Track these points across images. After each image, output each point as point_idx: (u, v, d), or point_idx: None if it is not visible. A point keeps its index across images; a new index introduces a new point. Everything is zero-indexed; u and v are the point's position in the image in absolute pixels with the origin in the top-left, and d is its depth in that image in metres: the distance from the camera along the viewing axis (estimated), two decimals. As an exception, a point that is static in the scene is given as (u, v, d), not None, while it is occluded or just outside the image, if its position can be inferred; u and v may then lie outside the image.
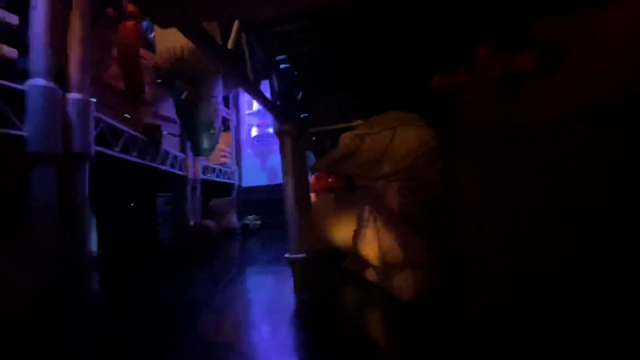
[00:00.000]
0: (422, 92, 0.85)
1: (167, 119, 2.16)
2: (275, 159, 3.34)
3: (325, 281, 1.05)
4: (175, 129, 2.27)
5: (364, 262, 0.98)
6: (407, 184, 0.88)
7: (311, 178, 1.53)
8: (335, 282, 1.04)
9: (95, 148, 1.19)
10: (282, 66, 0.97)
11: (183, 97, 0.93)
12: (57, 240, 0.99)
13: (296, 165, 1.00)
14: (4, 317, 0.79)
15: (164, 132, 2.04)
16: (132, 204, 1.98)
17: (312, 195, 1.41)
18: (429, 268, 0.86)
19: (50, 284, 0.97)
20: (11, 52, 0.93)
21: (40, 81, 0.98)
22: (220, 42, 0.57)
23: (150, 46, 1.83)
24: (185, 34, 0.44)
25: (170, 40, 0.67)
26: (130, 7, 1.26)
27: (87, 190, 1.12)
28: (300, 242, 0.99)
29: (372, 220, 0.94)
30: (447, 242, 0.89)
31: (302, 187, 1.03)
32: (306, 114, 1.05)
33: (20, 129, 0.94)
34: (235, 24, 0.64)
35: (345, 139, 0.83)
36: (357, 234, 1.05)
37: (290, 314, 0.83)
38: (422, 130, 0.85)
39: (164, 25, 0.44)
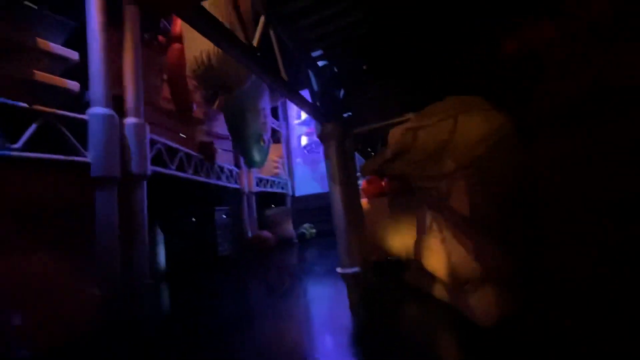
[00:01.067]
0: (483, 70, 0.70)
1: (220, 136, 2.25)
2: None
3: (385, 298, 0.93)
4: (228, 144, 2.36)
5: (429, 277, 0.84)
6: (478, 180, 0.72)
7: (361, 183, 1.42)
8: (396, 299, 0.91)
9: (152, 168, 1.25)
10: (319, 63, 0.89)
11: (215, 106, 0.91)
12: (119, 256, 1.04)
13: (343, 169, 0.91)
14: (71, 331, 0.83)
15: (218, 149, 2.13)
16: (193, 219, 2.08)
17: (364, 201, 1.31)
18: (511, 283, 0.70)
19: (115, 298, 1.02)
20: (74, 85, 1.02)
21: (99, 109, 1.05)
22: (244, 40, 0.51)
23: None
24: (191, 23, 0.39)
25: (197, 48, 0.65)
26: (176, 31, 1.31)
27: (145, 208, 1.17)
28: (352, 255, 0.89)
29: (437, 227, 0.80)
30: (532, 249, 0.72)
31: (351, 193, 0.93)
32: (350, 113, 0.96)
33: (84, 156, 1.01)
34: (261, 19, 0.58)
35: (395, 134, 0.71)
36: (418, 243, 0.91)
37: (346, 335, 0.73)
38: (490, 115, 0.69)
39: (162, 12, 0.39)
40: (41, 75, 0.95)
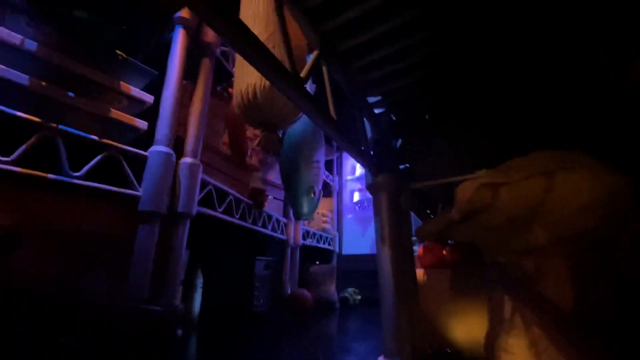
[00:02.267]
0: (590, 116, 0.55)
1: (273, 184, 2.26)
2: (378, 226, 3.08)
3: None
4: (280, 194, 2.36)
5: (511, 390, 0.61)
6: (584, 261, 0.53)
7: (418, 248, 1.23)
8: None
9: (199, 208, 1.24)
10: (376, 110, 0.82)
11: (259, 143, 0.86)
12: (147, 292, 0.98)
13: (395, 229, 0.77)
14: None
15: (269, 196, 2.13)
16: (233, 266, 2.01)
17: (419, 272, 1.10)
18: None
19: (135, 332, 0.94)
20: (142, 124, 1.09)
21: (161, 148, 1.10)
22: (289, 69, 0.46)
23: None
24: (225, 36, 0.34)
25: (244, 82, 0.64)
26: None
27: (183, 248, 1.14)
28: (400, 341, 0.70)
29: (521, 322, 0.59)
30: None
31: (403, 259, 0.77)
32: (407, 165, 0.84)
33: (137, 189, 1.04)
34: (314, 53, 0.54)
35: (467, 190, 0.57)
36: (492, 338, 0.69)
37: None
38: (601, 174, 0.52)
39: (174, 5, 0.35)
40: (116, 113, 1.04)
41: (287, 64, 0.46)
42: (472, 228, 0.64)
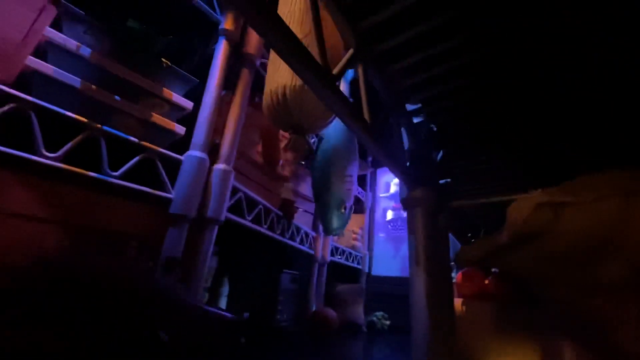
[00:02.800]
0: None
1: (304, 197, 2.24)
2: (411, 248, 2.92)
3: None
4: (311, 207, 2.33)
5: None
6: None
7: (456, 276, 1.12)
8: None
9: (228, 215, 1.24)
10: (415, 119, 0.76)
11: (288, 144, 0.82)
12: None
13: (431, 251, 0.69)
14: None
15: (299, 209, 2.10)
16: (259, 277, 1.99)
17: (457, 302, 0.99)
18: None
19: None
20: (180, 129, 1.12)
21: (196, 153, 1.12)
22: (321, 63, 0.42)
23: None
24: (254, 25, 0.32)
25: (274, 82, 0.62)
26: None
27: (209, 253, 1.13)
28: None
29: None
30: None
31: (440, 287, 0.68)
32: (449, 179, 0.76)
33: (169, 192, 1.05)
34: (350, 51, 0.50)
35: (523, 209, 0.49)
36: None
37: None
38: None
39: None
40: (157, 118, 1.07)
41: (320, 61, 0.43)
42: (524, 256, 0.55)
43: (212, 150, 1.23)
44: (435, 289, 0.67)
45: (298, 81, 0.60)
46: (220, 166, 1.20)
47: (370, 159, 3.07)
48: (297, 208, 1.91)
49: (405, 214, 3.36)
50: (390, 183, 3.25)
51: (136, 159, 0.98)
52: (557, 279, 0.54)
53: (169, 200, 1.05)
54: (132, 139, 0.98)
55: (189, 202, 1.07)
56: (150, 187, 1.00)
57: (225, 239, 1.95)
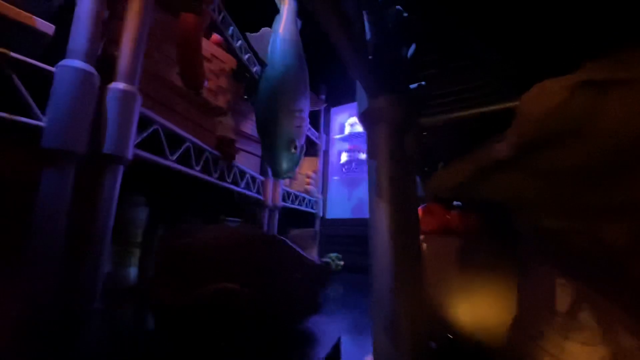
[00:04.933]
0: None
1: (249, 136, 1.97)
2: (366, 189, 2.88)
3: None
4: (258, 149, 2.08)
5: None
6: None
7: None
8: None
9: (139, 152, 0.96)
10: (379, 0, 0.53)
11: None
12: (57, 263, 0.73)
13: (398, 179, 0.52)
14: None
15: (241, 150, 1.84)
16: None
17: (419, 239, 0.88)
18: None
19: (40, 320, 0.70)
20: (45, 26, 0.77)
21: (76, 63, 0.79)
22: None
23: (233, 51, 1.69)
24: None
25: None
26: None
27: (114, 203, 0.87)
28: (397, 334, 0.48)
29: (595, 323, 0.37)
30: None
31: (406, 222, 0.53)
32: (423, 83, 0.57)
33: (39, 119, 0.74)
34: None
35: (549, 97, 0.31)
36: (524, 330, 0.48)
37: None
38: None
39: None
40: (5, 7, 0.71)
41: None
42: (527, 173, 0.39)
43: (105, 65, 0.89)
44: (400, 225, 0.51)
45: None
46: (118, 85, 0.88)
47: (323, 95, 2.80)
48: (239, 149, 1.65)
49: (360, 156, 3.25)
50: (345, 124, 3.07)
51: (-37, 63, 0.64)
52: (561, 202, 0.41)
53: (39, 129, 0.74)
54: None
55: (71, 133, 0.77)
56: (7, 111, 0.68)
57: (157, 186, 1.66)
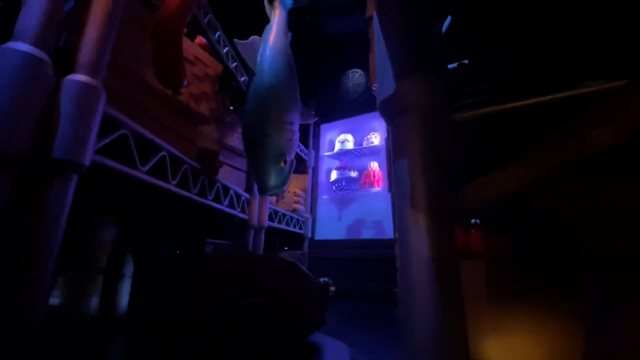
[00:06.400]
0: None
1: (233, 150, 1.82)
2: (357, 209, 2.75)
3: None
4: (242, 163, 1.93)
5: None
6: None
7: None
8: None
9: (99, 159, 0.80)
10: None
11: None
12: None
13: (436, 185, 0.39)
14: None
15: (224, 163, 1.69)
16: (175, 250, 1.57)
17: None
18: None
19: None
20: (-16, -1, 0.63)
21: (22, 46, 0.64)
22: None
23: (219, 57, 1.57)
24: None
25: None
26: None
27: (64, 218, 0.69)
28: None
29: None
30: None
31: (448, 238, 0.40)
32: (465, 62, 0.45)
33: (-36, 111, 0.58)
34: None
35: None
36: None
37: None
38: None
39: None
40: None
41: None
42: (628, 176, 0.27)
43: (65, 57, 0.75)
44: (442, 244, 0.38)
45: None
46: (77, 77, 0.73)
47: (312, 109, 2.72)
48: (222, 162, 1.50)
49: (351, 174, 3.13)
50: (335, 141, 2.98)
51: None
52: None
53: (-38, 124, 0.58)
54: None
55: (8, 130, 0.61)
56: None
57: (127, 203, 1.47)
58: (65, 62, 0.75)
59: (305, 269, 1.21)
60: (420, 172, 0.39)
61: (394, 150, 0.42)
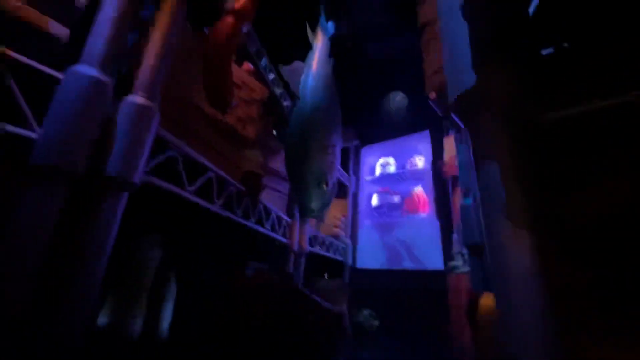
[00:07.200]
0: None
1: (276, 173, 1.83)
2: (401, 235, 2.59)
3: None
4: (284, 186, 1.92)
5: None
6: None
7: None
8: None
9: (150, 179, 0.81)
10: None
11: None
12: (29, 295, 0.54)
13: (531, 190, 0.31)
14: None
15: (269, 187, 1.69)
16: (217, 272, 1.56)
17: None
18: None
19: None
20: (59, 29, 0.68)
21: (86, 69, 0.68)
22: None
23: (265, 82, 1.61)
24: None
25: None
26: (236, 5, 0.98)
27: (111, 234, 0.69)
28: None
29: None
30: None
31: (555, 253, 0.31)
32: (557, 48, 0.38)
33: (32, 129, 0.61)
34: None
35: None
36: None
37: None
38: None
39: None
40: (15, 5, 0.62)
41: None
42: None
43: (122, 78, 0.79)
44: (549, 260, 0.29)
45: None
46: (134, 99, 0.76)
47: (353, 131, 2.69)
48: (265, 185, 1.49)
49: (394, 199, 3.00)
50: (376, 165, 2.90)
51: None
52: None
53: (30, 142, 0.61)
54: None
55: (67, 148, 0.63)
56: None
57: (172, 224, 1.50)
58: (124, 86, 0.79)
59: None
60: (512, 173, 0.31)
61: (475, 154, 0.35)
